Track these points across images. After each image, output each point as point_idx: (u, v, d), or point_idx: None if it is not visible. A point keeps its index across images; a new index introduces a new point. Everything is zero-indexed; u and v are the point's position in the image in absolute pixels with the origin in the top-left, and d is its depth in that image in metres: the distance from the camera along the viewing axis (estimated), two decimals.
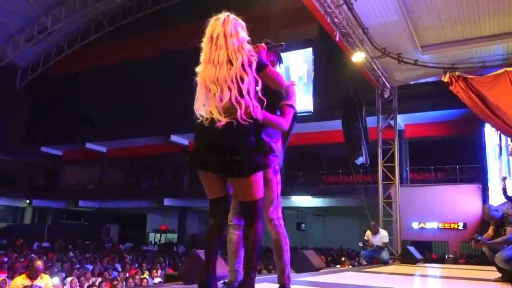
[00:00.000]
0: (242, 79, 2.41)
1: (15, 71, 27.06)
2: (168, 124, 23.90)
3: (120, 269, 12.02)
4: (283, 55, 3.21)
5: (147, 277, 10.13)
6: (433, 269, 8.88)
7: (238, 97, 2.39)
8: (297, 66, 20.72)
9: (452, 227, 17.25)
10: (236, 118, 2.37)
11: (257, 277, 2.65)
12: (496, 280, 5.42)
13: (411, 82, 12.99)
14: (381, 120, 12.80)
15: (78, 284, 8.72)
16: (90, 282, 8.80)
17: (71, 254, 16.87)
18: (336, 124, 13.72)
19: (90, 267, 12.08)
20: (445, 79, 10.81)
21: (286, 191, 20.26)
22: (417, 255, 9.86)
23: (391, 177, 12.50)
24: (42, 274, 6.39)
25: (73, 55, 25.85)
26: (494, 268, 5.51)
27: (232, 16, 2.59)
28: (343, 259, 13.03)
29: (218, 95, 2.42)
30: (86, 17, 24.53)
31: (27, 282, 6.21)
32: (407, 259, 9.65)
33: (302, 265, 5.94)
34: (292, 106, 2.93)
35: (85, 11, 23.53)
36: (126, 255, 16.34)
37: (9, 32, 24.35)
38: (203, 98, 2.50)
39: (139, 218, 32.06)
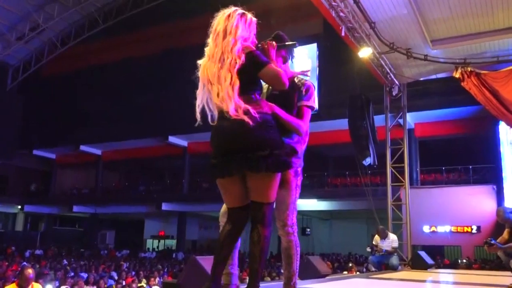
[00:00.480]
0: (225, 79, 2.47)
1: (6, 71, 27.09)
2: (166, 125, 23.92)
3: (116, 277, 12.03)
4: None
5: (145, 285, 10.14)
6: (446, 275, 8.85)
7: (230, 96, 2.44)
8: (301, 62, 20.72)
9: (465, 230, 17.21)
10: (248, 116, 2.40)
11: (261, 284, 2.62)
12: None
13: (421, 79, 12.97)
14: (390, 118, 12.78)
15: None
16: None
17: (65, 261, 16.88)
18: (342, 123, 13.71)
19: (85, 275, 12.09)
20: (457, 75, 10.78)
21: None
22: (429, 260, 9.83)
23: (401, 178, 12.48)
24: (34, 283, 6.38)
25: (67, 54, 25.87)
26: (509, 273, 5.49)
27: (239, 11, 2.61)
28: (350, 265, 13.00)
29: (216, 92, 2.49)
30: (79, 13, 24.54)
31: None
32: (418, 264, 9.62)
33: (308, 272, 5.93)
34: (311, 108, 2.87)
35: (78, 7, 23.55)
36: (122, 263, 16.36)
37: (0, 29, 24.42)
38: (202, 93, 2.57)
39: (136, 224, 32.08)
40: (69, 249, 24.95)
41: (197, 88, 2.62)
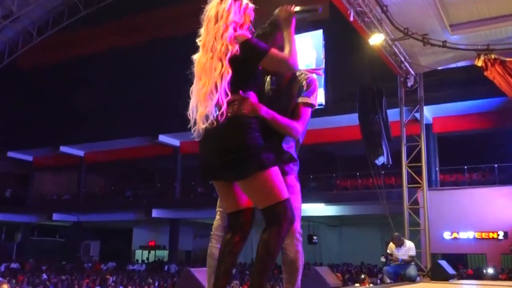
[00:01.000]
0: (215, 69, 2.46)
1: None
2: (156, 123, 23.93)
3: None
4: None
5: None
6: (469, 286, 8.86)
7: (216, 91, 2.44)
8: (304, 52, 20.70)
9: (490, 236, 17.18)
10: (226, 113, 2.40)
11: None
12: None
13: (439, 68, 12.96)
14: (405, 112, 12.78)
15: None
16: None
17: (45, 276, 16.91)
18: (352, 119, 13.70)
19: None
20: (479, 63, 10.77)
21: None
22: (450, 270, 9.83)
23: (418, 179, 12.47)
24: None
25: (44, 44, 25.85)
26: None
27: None
28: (363, 276, 13.01)
29: (203, 88, 2.48)
30: None
31: None
32: (438, 275, 9.62)
33: (315, 284, 5.94)
34: (311, 105, 2.80)
35: None
36: (108, 276, 16.38)
37: None
38: (193, 93, 2.56)
39: (123, 233, 32.09)
40: (49, 262, 24.95)
41: (191, 84, 2.61)
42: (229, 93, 2.42)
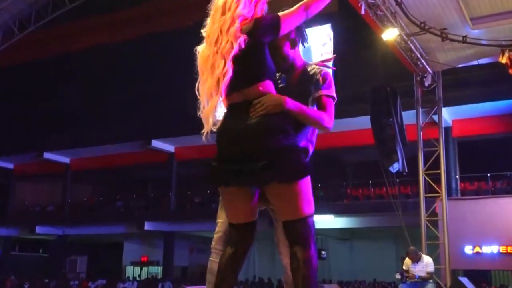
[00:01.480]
0: (218, 67, 2.47)
1: None
2: (149, 126, 23.93)
3: None
4: None
5: None
6: None
7: (217, 90, 2.46)
8: (311, 48, 20.72)
9: None
10: (270, 110, 2.42)
11: None
12: None
13: (459, 65, 12.97)
14: (422, 115, 12.79)
15: None
16: None
17: None
18: (364, 121, 13.69)
19: None
20: (503, 60, 10.77)
21: None
22: None
23: (436, 188, 12.46)
24: None
25: (26, 40, 25.90)
26: None
27: None
28: None
29: (207, 83, 2.49)
30: None
31: None
32: None
33: None
34: (333, 98, 2.85)
35: None
36: None
37: None
38: (202, 84, 2.55)
39: (113, 248, 32.04)
40: (32, 279, 24.92)
41: (195, 79, 2.62)
42: (248, 88, 2.45)
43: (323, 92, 2.80)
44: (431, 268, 9.58)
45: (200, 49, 2.59)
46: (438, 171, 12.49)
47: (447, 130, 17.90)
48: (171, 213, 25.53)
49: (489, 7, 10.09)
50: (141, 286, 25.21)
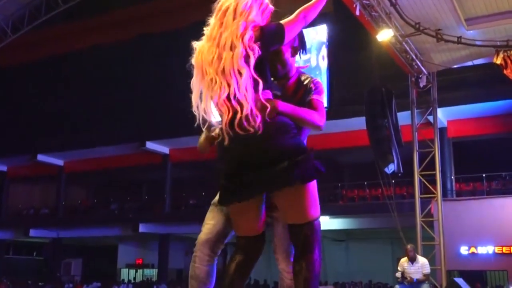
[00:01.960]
0: (240, 74, 2.41)
1: None
2: (143, 128, 23.88)
3: None
4: None
5: None
6: None
7: (246, 96, 2.40)
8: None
9: None
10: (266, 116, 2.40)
11: None
12: None
13: (454, 66, 12.99)
14: (417, 115, 12.81)
15: None
16: None
17: None
18: (359, 123, 13.70)
19: None
20: (498, 60, 10.80)
21: None
22: None
23: (432, 189, 12.47)
24: None
25: (20, 42, 25.84)
26: None
27: None
28: None
29: (224, 91, 2.42)
30: None
31: None
32: None
33: None
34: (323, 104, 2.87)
35: None
36: None
37: None
38: (197, 85, 2.51)
39: (107, 250, 31.98)
40: (26, 283, 24.84)
41: (189, 78, 2.59)
42: (262, 98, 2.42)
43: (315, 96, 2.82)
44: (427, 269, 9.57)
45: (200, 47, 2.54)
46: (434, 172, 12.51)
47: (442, 130, 17.94)
48: (166, 215, 25.48)
49: (483, 8, 10.12)
50: None
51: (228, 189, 2.48)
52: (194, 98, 2.51)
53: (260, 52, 2.45)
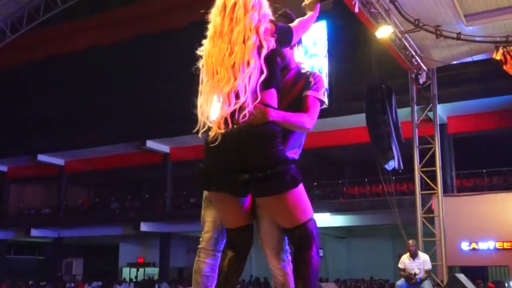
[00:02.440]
0: (248, 64, 2.40)
1: None
2: (143, 127, 23.88)
3: None
4: None
5: None
6: None
7: (247, 90, 2.39)
8: (305, 46, 20.71)
9: None
10: (255, 120, 2.38)
11: None
12: None
13: (454, 62, 12.99)
14: (417, 112, 12.80)
15: None
16: None
17: None
18: (359, 120, 13.70)
19: None
20: (498, 56, 10.79)
21: None
22: (469, 285, 9.82)
23: (432, 185, 12.47)
24: None
25: (19, 42, 25.83)
26: None
27: None
28: None
29: (228, 84, 2.40)
30: None
31: None
32: None
33: None
34: (320, 101, 2.82)
35: None
36: None
37: None
38: (207, 90, 2.47)
39: (109, 249, 32.01)
40: (27, 282, 24.87)
41: (195, 83, 2.57)
42: (259, 95, 2.39)
43: (310, 92, 2.78)
44: (428, 265, 9.56)
45: (212, 50, 2.49)
46: (434, 168, 12.50)
47: (443, 127, 17.95)
48: (167, 214, 25.51)
49: (483, 3, 10.11)
50: None
51: (207, 177, 2.48)
52: (201, 103, 2.49)
53: (274, 46, 2.46)
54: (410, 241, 9.86)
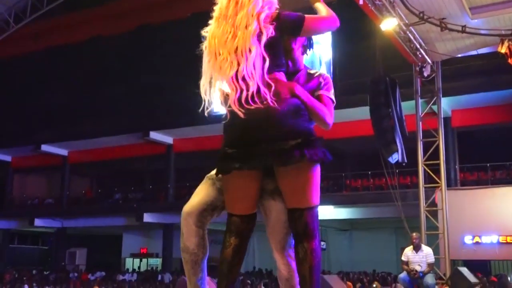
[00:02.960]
0: (250, 51, 2.43)
1: None
2: (146, 118, 23.89)
3: None
4: None
5: None
6: None
7: (254, 74, 2.42)
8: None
9: None
10: (280, 95, 2.43)
11: None
12: None
13: (459, 55, 12.95)
14: (421, 105, 12.79)
15: None
16: None
17: (26, 287, 16.93)
18: (363, 112, 13.69)
19: None
20: (503, 49, 10.76)
21: None
22: (472, 278, 9.84)
23: (436, 178, 12.48)
24: None
25: (22, 33, 25.84)
26: None
27: None
28: (375, 285, 13.06)
29: (232, 68, 2.43)
30: None
31: None
32: (458, 283, 9.63)
33: None
34: (332, 101, 2.87)
35: None
36: (96, 287, 16.40)
37: None
38: (210, 71, 2.52)
39: (112, 240, 32.13)
40: (31, 272, 24.99)
41: (199, 67, 2.59)
42: (267, 77, 2.43)
43: (323, 92, 2.84)
44: (431, 258, 9.55)
45: (216, 31, 2.53)
46: (438, 162, 12.50)
47: (447, 120, 17.90)
48: (170, 205, 25.53)
49: None
50: (140, 278, 25.26)
51: (230, 156, 2.46)
52: (203, 83, 2.54)
53: (274, 33, 2.46)
54: (414, 234, 9.87)
